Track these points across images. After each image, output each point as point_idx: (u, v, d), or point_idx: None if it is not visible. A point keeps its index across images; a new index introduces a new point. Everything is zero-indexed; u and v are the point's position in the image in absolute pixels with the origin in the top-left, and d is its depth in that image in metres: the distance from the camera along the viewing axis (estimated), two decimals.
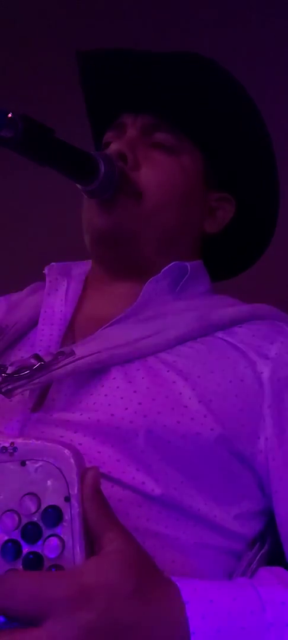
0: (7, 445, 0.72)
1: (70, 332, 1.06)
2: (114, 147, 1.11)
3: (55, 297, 1.11)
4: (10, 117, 0.94)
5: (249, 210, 1.22)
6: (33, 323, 1.08)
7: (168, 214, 1.11)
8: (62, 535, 0.71)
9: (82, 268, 1.20)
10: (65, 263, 1.20)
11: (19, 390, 0.88)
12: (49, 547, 0.71)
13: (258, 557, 0.91)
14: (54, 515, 0.71)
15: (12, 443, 0.72)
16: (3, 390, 0.88)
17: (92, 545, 0.72)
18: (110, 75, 1.18)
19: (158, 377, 0.92)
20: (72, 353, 0.92)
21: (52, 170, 1.03)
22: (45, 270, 1.17)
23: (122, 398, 0.90)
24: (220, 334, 1.01)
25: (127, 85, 1.16)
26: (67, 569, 0.70)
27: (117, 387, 0.91)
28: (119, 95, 1.17)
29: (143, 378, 0.92)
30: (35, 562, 0.71)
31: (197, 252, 1.18)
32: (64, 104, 1.38)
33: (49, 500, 0.71)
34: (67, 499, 0.71)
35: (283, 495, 0.92)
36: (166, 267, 1.08)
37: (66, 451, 0.73)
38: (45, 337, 1.03)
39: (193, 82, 1.15)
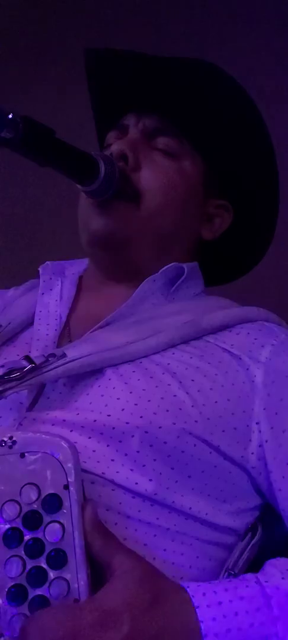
0: (5, 439, 0.76)
1: (66, 332, 1.07)
2: (115, 147, 1.12)
3: (50, 296, 1.13)
4: (11, 118, 0.95)
5: (247, 220, 1.22)
6: (28, 322, 1.09)
7: (166, 218, 1.12)
8: (62, 521, 0.75)
9: (75, 268, 1.20)
10: (59, 262, 1.21)
11: (10, 392, 0.90)
12: (50, 533, 0.75)
13: (249, 547, 0.94)
14: (53, 503, 0.75)
15: (11, 437, 0.76)
16: None
17: (98, 571, 0.76)
18: (115, 75, 1.19)
19: (154, 378, 0.94)
20: (63, 355, 0.93)
21: (52, 170, 1.05)
22: (40, 269, 1.18)
23: (118, 399, 0.91)
24: (211, 338, 1.01)
25: (131, 86, 1.16)
26: (68, 554, 0.75)
27: (114, 388, 0.93)
28: (123, 96, 1.18)
29: (139, 380, 0.93)
30: (36, 547, 0.75)
31: (193, 257, 1.18)
32: (64, 105, 1.39)
33: (48, 489, 0.75)
34: (66, 487, 0.75)
35: None
36: (164, 267, 1.08)
37: (63, 442, 0.76)
38: (42, 337, 1.04)
39: (197, 87, 1.15)
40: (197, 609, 0.75)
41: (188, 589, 0.77)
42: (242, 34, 1.96)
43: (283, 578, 0.81)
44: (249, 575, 0.83)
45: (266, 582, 0.80)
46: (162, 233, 1.12)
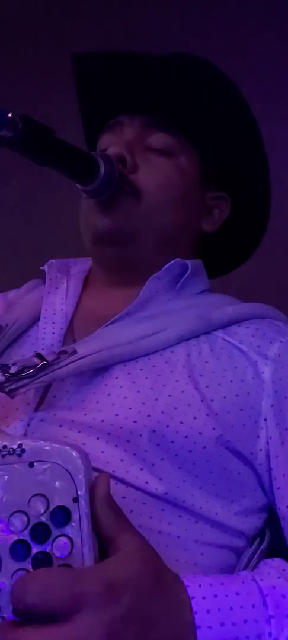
0: (15, 446, 0.73)
1: (71, 330, 1.07)
2: (112, 151, 1.11)
3: (56, 295, 1.12)
4: (11, 117, 0.94)
5: (244, 208, 1.24)
6: (33, 321, 1.08)
7: (167, 214, 1.12)
8: (70, 535, 0.71)
9: (81, 266, 1.20)
10: (64, 260, 1.21)
11: (23, 389, 0.89)
12: (57, 547, 0.71)
13: (258, 552, 0.94)
14: (62, 516, 0.72)
15: (20, 445, 0.73)
16: (6, 389, 0.88)
17: (102, 546, 0.73)
18: (106, 77, 1.18)
19: (162, 376, 0.93)
20: (75, 352, 0.93)
21: (52, 169, 1.03)
22: (45, 268, 1.18)
23: (125, 398, 0.91)
24: (220, 333, 1.02)
25: (123, 86, 1.16)
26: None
27: (121, 387, 0.92)
28: (116, 97, 1.17)
29: (146, 378, 0.93)
30: (44, 562, 0.71)
31: (195, 251, 1.19)
32: (64, 104, 1.37)
33: (57, 501, 0.72)
34: (76, 499, 0.72)
35: (286, 493, 0.93)
36: (167, 264, 1.08)
37: (74, 452, 0.73)
38: (48, 336, 1.04)
39: (189, 82, 1.15)
40: (192, 599, 0.73)
41: (184, 579, 0.75)
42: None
43: (279, 577, 0.79)
44: (245, 572, 0.83)
45: (261, 580, 0.78)
46: (164, 229, 1.12)
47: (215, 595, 0.74)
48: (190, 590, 0.74)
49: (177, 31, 1.93)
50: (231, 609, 0.74)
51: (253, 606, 0.75)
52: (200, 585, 0.75)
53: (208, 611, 0.73)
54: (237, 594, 0.75)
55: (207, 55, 1.16)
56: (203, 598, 0.74)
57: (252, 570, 0.90)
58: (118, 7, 2.00)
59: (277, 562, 0.84)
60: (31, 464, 0.73)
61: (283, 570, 0.81)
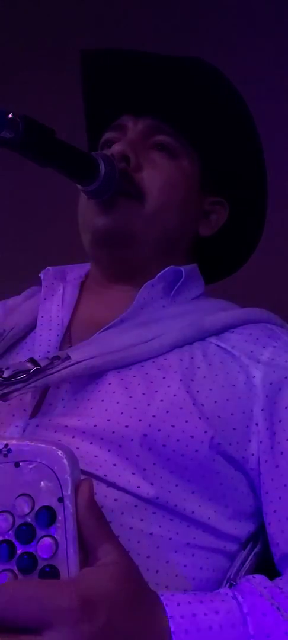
0: (1, 447, 0.73)
1: (68, 337, 1.07)
2: (117, 149, 1.11)
3: (52, 302, 1.12)
4: (11, 118, 0.95)
5: (241, 215, 1.24)
6: (30, 328, 1.09)
7: (168, 215, 1.12)
8: (55, 536, 0.72)
9: (77, 272, 1.20)
10: (60, 267, 1.21)
11: (15, 394, 0.89)
12: (42, 548, 0.71)
13: (251, 556, 0.93)
14: (47, 516, 0.72)
15: (6, 445, 0.73)
16: None
17: (85, 551, 0.73)
18: (112, 76, 1.19)
19: (154, 383, 0.93)
20: (68, 358, 0.93)
21: (52, 170, 1.03)
22: (41, 275, 1.18)
23: (118, 403, 0.91)
24: (213, 340, 1.02)
25: (129, 87, 1.16)
26: (61, 570, 0.71)
27: (114, 393, 0.92)
28: (121, 97, 1.18)
29: (139, 384, 0.93)
30: (29, 562, 0.71)
31: (192, 255, 1.19)
32: (64, 105, 1.38)
33: (42, 501, 0.72)
34: (61, 499, 0.72)
35: (273, 497, 0.92)
36: (161, 272, 1.09)
37: (59, 452, 0.73)
38: (44, 342, 1.04)
39: (193, 86, 1.15)
40: (169, 619, 0.72)
41: (162, 597, 0.74)
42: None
43: (260, 596, 0.77)
44: (226, 590, 0.81)
45: (242, 598, 0.77)
46: (166, 231, 1.12)
47: (194, 615, 0.73)
48: (169, 609, 0.73)
49: (181, 33, 1.92)
50: (210, 628, 0.73)
51: (233, 626, 0.73)
52: (178, 604, 0.74)
53: (186, 631, 0.71)
54: (217, 612, 0.74)
55: (210, 59, 1.16)
56: (182, 617, 0.72)
57: (245, 573, 0.90)
58: (120, 8, 2.01)
59: (259, 578, 0.82)
60: (17, 464, 0.73)
61: (265, 587, 0.79)
